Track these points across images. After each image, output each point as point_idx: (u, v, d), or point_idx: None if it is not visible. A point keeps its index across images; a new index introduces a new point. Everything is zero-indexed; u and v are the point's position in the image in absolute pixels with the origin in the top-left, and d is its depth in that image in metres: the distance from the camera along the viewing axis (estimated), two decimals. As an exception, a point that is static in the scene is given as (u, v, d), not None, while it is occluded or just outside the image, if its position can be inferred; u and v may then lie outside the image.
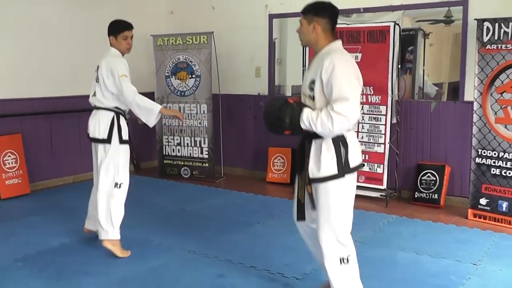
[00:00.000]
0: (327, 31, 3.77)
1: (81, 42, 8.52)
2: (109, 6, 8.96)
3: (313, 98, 3.69)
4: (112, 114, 5.22)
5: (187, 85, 8.74)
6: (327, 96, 3.59)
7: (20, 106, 7.73)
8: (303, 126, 3.60)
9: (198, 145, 8.76)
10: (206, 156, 8.73)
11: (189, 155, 8.85)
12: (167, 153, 9.03)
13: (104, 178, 5.20)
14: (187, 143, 8.82)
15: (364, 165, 4.02)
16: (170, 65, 8.85)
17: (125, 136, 5.26)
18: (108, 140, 5.17)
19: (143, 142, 9.64)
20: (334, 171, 3.62)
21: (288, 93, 9.02)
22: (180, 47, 8.75)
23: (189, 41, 8.66)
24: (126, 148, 5.28)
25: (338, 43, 3.80)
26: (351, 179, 3.74)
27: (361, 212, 6.72)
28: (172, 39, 8.79)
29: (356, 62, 7.00)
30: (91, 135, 5.29)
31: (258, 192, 7.86)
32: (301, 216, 3.92)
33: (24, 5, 7.79)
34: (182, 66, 8.76)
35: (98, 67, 5.29)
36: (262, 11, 8.65)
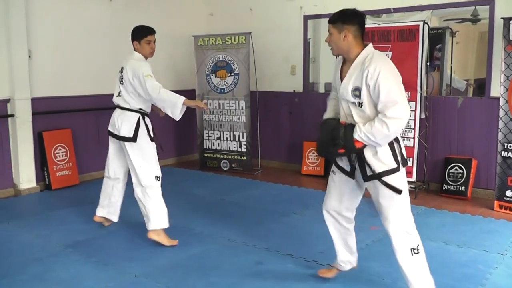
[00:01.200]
0: (357, 37, 3.67)
1: (126, 41, 8.54)
2: (152, 8, 9.04)
3: (359, 105, 3.63)
4: (137, 115, 5.25)
5: (226, 82, 8.75)
6: (376, 101, 3.54)
7: (69, 103, 7.84)
8: (359, 139, 3.55)
9: (236, 139, 8.77)
10: (244, 150, 8.73)
11: (228, 148, 8.87)
12: (207, 147, 9.06)
13: (141, 173, 5.23)
14: (227, 138, 8.84)
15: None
16: (210, 64, 8.87)
17: (152, 134, 5.33)
18: (134, 139, 5.19)
19: (185, 136, 9.71)
20: (394, 165, 3.62)
21: (321, 90, 8.96)
22: (220, 46, 8.76)
23: (228, 41, 8.67)
24: (154, 145, 5.34)
25: (371, 47, 3.71)
26: (404, 171, 3.73)
27: (391, 203, 6.67)
28: (212, 39, 8.80)
29: (387, 60, 7.01)
30: (115, 132, 5.30)
31: (293, 183, 7.84)
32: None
33: (71, 6, 7.90)
34: (221, 65, 8.77)
35: (122, 68, 5.30)
36: (297, 13, 8.62)
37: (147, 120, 5.33)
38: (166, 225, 5.27)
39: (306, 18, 8.56)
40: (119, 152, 5.48)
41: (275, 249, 5.09)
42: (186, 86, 9.42)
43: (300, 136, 8.71)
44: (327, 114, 4.11)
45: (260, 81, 8.84)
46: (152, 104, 5.36)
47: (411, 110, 7.04)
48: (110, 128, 5.39)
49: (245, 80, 8.63)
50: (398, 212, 3.73)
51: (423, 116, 7.14)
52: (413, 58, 6.97)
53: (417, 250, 3.75)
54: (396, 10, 7.55)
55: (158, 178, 5.29)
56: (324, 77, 9.11)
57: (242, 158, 8.78)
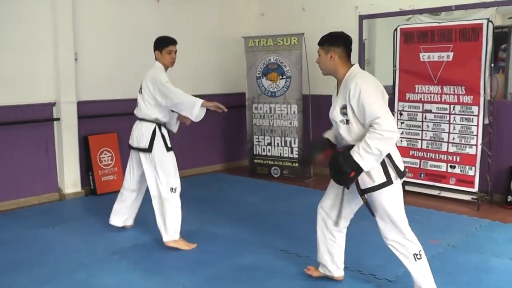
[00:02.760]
0: (343, 58, 4.05)
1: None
2: (201, 8, 9.14)
3: (346, 122, 3.95)
4: (154, 125, 5.47)
5: (278, 86, 8.76)
6: (361, 119, 3.85)
7: (116, 106, 7.97)
8: (358, 160, 3.76)
9: (288, 145, 8.78)
10: (296, 156, 8.72)
11: (279, 154, 8.88)
12: (257, 153, 9.08)
13: (157, 185, 5.45)
14: (278, 143, 8.85)
15: (406, 172, 4.15)
16: (261, 66, 8.90)
17: (169, 143, 5.52)
18: (149, 149, 5.42)
19: (234, 141, 9.76)
20: (384, 179, 3.88)
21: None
22: (271, 48, 8.78)
23: (279, 43, 8.68)
24: (172, 155, 5.52)
25: (356, 67, 4.05)
26: (399, 182, 3.99)
27: (452, 215, 6.58)
28: (263, 41, 8.82)
29: (447, 61, 6.96)
30: (134, 145, 5.58)
31: (347, 192, 7.75)
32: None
33: (119, 8, 8.08)
34: (273, 67, 8.79)
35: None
36: (352, 12, 8.57)
37: (164, 130, 5.54)
38: (177, 237, 5.46)
39: (361, 18, 8.50)
40: (137, 165, 5.72)
41: (329, 260, 5.04)
42: (236, 89, 9.47)
43: (355, 142, 8.60)
44: (328, 133, 4.49)
45: (313, 84, 8.82)
46: (179, 114, 5.58)
47: (474, 115, 6.93)
48: (129, 141, 5.71)
49: (298, 83, 8.63)
50: (395, 221, 4.00)
51: (486, 121, 7.01)
52: (476, 59, 6.86)
53: (420, 255, 4.02)
54: (458, 7, 7.42)
55: (174, 190, 5.44)
56: (380, 80, 8.96)
57: (294, 164, 8.77)
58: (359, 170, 3.80)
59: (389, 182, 3.89)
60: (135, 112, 5.66)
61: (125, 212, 5.96)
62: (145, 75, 5.50)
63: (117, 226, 5.98)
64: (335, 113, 4.06)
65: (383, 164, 3.87)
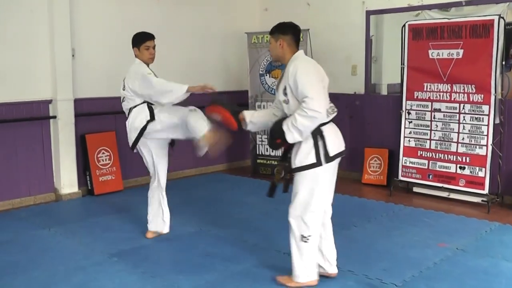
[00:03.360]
0: (291, 45, 4.52)
1: (174, 41, 8.69)
2: (202, 3, 9.14)
3: (286, 102, 4.42)
4: (145, 104, 5.47)
5: (282, 83, 8.74)
6: (297, 97, 4.29)
7: (114, 104, 7.88)
8: (286, 130, 4.25)
9: (291, 144, 8.75)
10: (300, 156, 8.69)
11: (283, 154, 8.85)
12: (260, 153, 9.09)
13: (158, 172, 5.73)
14: (282, 143, 8.83)
15: (344, 152, 4.57)
16: (265, 63, 8.91)
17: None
18: (152, 118, 5.43)
19: (236, 141, 9.71)
20: (312, 160, 4.30)
21: (384, 91, 8.91)
22: (275, 44, 8.74)
23: (283, 39, 8.65)
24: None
25: (300, 52, 4.54)
26: (330, 166, 4.40)
27: (461, 218, 6.58)
28: (267, 37, 8.73)
29: (457, 59, 6.97)
30: (137, 131, 5.49)
31: (353, 193, 7.81)
32: (272, 194, 4.70)
33: (117, 4, 8.11)
34: (276, 64, 8.78)
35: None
36: (359, 8, 8.58)
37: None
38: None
39: (368, 13, 8.51)
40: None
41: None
42: (238, 87, 9.49)
43: (361, 142, 8.67)
44: (248, 112, 4.98)
45: (318, 81, 8.79)
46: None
47: (484, 115, 6.93)
48: (130, 138, 5.62)
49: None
50: (301, 200, 4.42)
51: (497, 121, 7.02)
52: (486, 56, 6.87)
53: (307, 239, 4.42)
54: (468, 3, 7.44)
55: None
56: (387, 78, 9.05)
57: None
58: (284, 139, 4.30)
59: (318, 163, 4.30)
60: (123, 106, 5.67)
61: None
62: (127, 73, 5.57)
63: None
64: (278, 94, 4.56)
65: (316, 146, 4.30)
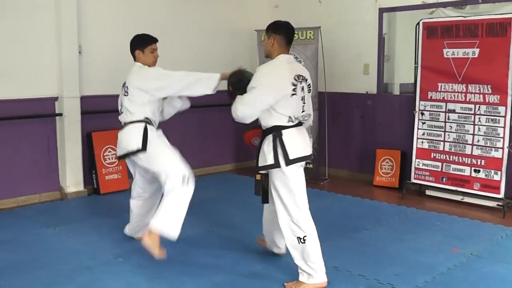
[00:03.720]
0: (281, 45, 4.70)
1: (182, 38, 8.70)
2: (212, 0, 9.10)
3: None
4: (143, 124, 5.27)
5: (292, 82, 8.71)
6: None
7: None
8: (238, 96, 4.60)
9: (302, 145, 8.72)
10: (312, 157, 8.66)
11: (292, 155, 8.82)
12: (269, 153, 9.04)
13: (167, 175, 5.13)
14: (291, 143, 8.80)
15: (308, 158, 4.76)
16: (275, 61, 8.84)
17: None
18: (144, 148, 5.19)
19: (243, 141, 9.72)
20: (272, 161, 4.53)
21: (396, 91, 8.87)
22: (285, 42, 8.71)
23: (294, 37, 8.58)
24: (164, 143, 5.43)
25: (282, 56, 4.68)
26: (292, 168, 4.57)
27: (475, 222, 6.54)
28: (277, 35, 8.76)
29: (473, 58, 6.92)
30: (123, 152, 5.38)
31: (364, 196, 7.78)
32: (265, 200, 4.90)
33: (126, 1, 8.08)
34: (286, 63, 8.74)
35: (124, 83, 5.45)
36: (371, 5, 8.54)
37: (151, 129, 5.33)
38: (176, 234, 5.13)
39: (381, 11, 8.47)
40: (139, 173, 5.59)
41: (345, 268, 5.04)
42: (248, 85, 9.45)
43: (373, 143, 8.64)
44: None
45: (329, 80, 8.82)
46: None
47: (501, 116, 6.88)
48: (118, 152, 5.51)
49: (313, 79, 8.48)
50: (283, 206, 4.62)
51: (514, 123, 6.96)
52: (503, 56, 6.82)
53: (303, 240, 4.56)
54: (485, 0, 7.39)
55: (185, 179, 5.10)
56: (399, 78, 9.03)
57: (308, 165, 8.63)
58: (232, 93, 4.79)
59: (276, 165, 4.51)
60: (120, 118, 5.52)
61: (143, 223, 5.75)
62: (128, 78, 5.40)
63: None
64: None
65: (274, 148, 4.52)
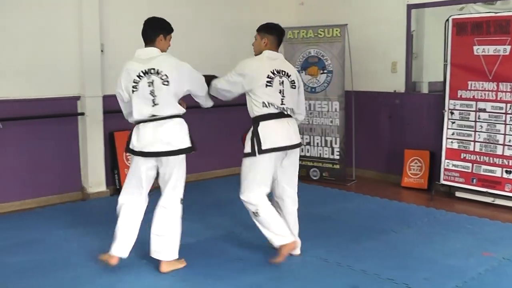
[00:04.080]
0: (273, 45, 5.38)
1: (206, 35, 8.71)
2: (238, -3, 9.10)
3: None
4: (183, 120, 5.02)
5: (318, 81, 8.70)
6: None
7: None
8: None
9: (328, 145, 8.72)
10: (337, 157, 8.66)
11: (319, 155, 8.83)
12: (294, 153, 9.01)
13: (181, 191, 5.09)
14: (317, 143, 8.80)
15: (289, 147, 5.18)
16: (301, 60, 8.85)
17: None
18: (193, 147, 5.00)
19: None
20: (248, 150, 5.10)
21: (425, 90, 8.79)
22: (311, 40, 8.72)
23: (321, 34, 8.61)
24: None
25: (266, 52, 5.36)
26: (264, 157, 5.07)
27: (507, 225, 6.46)
28: (303, 32, 8.76)
29: (504, 55, 6.88)
30: (162, 149, 4.86)
31: (392, 197, 7.72)
32: None
33: (147, 3, 8.04)
34: (313, 61, 8.74)
35: (147, 70, 4.95)
36: (399, 1, 8.48)
37: None
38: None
39: (409, 7, 8.41)
40: (147, 176, 5.11)
41: (373, 271, 4.99)
42: (271, 84, 9.42)
43: (401, 143, 8.57)
44: None
45: (357, 79, 8.77)
46: None
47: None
48: (149, 148, 4.90)
49: (340, 78, 8.56)
50: (242, 185, 5.24)
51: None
52: (536, 54, 6.74)
53: (257, 213, 5.10)
54: (516, -4, 7.31)
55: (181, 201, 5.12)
56: (428, 76, 8.96)
57: (335, 166, 8.71)
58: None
59: (252, 154, 5.05)
60: (154, 112, 4.90)
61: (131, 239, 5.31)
62: (160, 65, 4.93)
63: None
64: None
65: (251, 140, 5.06)
